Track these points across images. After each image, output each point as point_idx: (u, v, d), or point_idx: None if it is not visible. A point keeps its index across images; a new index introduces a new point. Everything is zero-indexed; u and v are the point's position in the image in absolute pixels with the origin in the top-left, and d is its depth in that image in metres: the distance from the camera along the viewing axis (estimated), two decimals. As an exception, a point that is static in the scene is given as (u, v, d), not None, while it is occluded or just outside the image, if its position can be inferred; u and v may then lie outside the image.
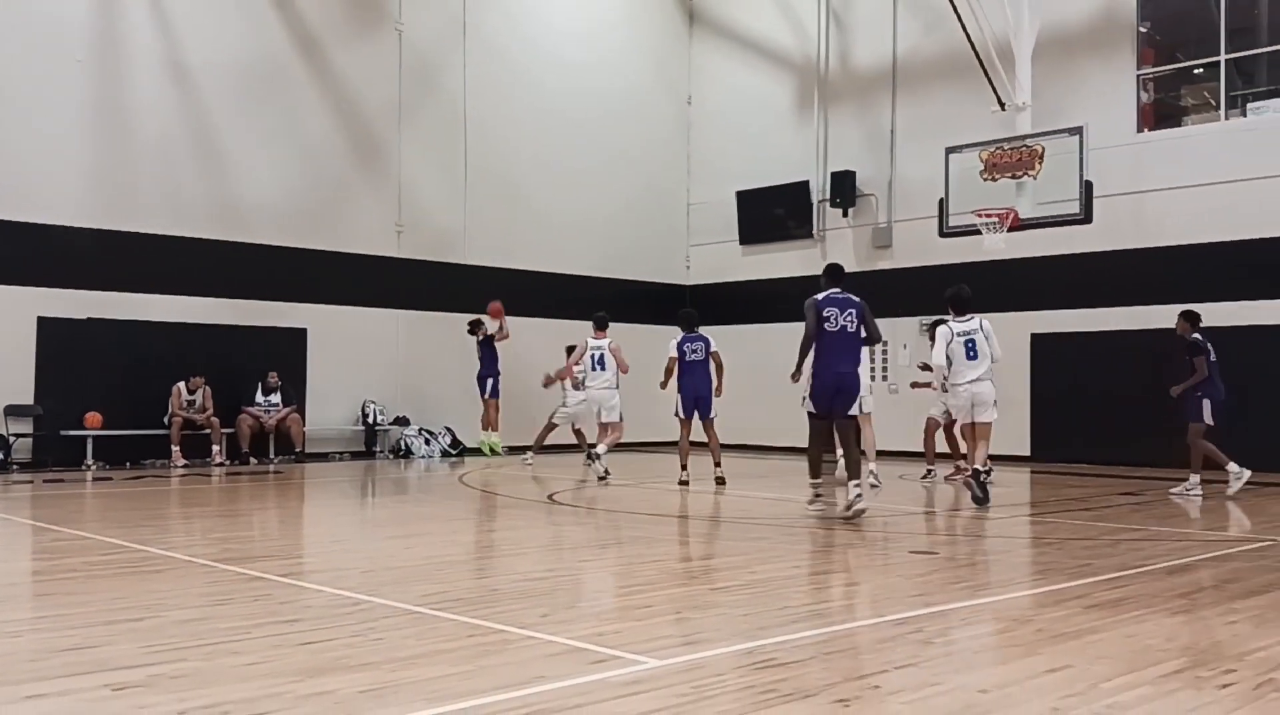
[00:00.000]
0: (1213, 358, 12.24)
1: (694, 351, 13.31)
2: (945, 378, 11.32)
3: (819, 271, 22.01)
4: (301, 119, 17.96)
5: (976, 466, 10.71)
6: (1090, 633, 5.14)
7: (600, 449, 13.97)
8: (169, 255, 16.49)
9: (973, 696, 3.99)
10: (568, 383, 16.84)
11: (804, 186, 21.20)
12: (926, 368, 13.57)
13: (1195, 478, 12.16)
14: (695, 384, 13.19)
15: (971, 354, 10.77)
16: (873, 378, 13.21)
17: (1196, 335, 12.34)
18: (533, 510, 10.85)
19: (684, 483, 13.08)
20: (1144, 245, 17.08)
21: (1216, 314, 16.16)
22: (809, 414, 10.09)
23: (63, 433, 15.36)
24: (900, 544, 8.59)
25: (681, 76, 23.44)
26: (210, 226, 16.91)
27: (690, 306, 22.87)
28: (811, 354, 9.96)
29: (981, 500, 10.55)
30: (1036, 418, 17.98)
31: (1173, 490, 12.29)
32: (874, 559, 7.98)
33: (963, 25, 17.38)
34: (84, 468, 15.29)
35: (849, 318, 9.87)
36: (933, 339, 11.22)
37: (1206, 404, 12.08)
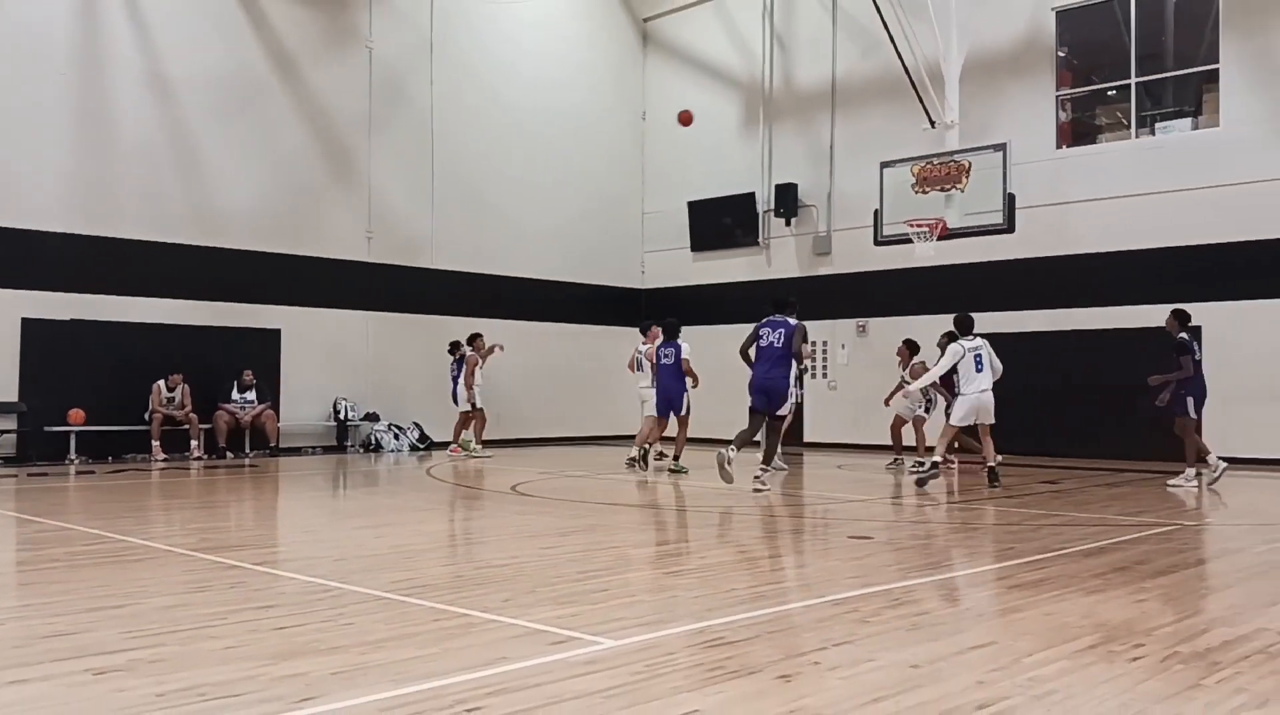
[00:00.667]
0: (1198, 357, 12.29)
1: (666, 356, 13.75)
2: (935, 385, 12.58)
3: (764, 276, 22.23)
4: (277, 130, 17.77)
5: (990, 462, 11.91)
6: (1013, 611, 5.20)
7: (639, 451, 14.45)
8: (149, 259, 16.26)
9: (905, 671, 4.02)
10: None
11: (750, 197, 21.27)
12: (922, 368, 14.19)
13: (1191, 471, 12.15)
14: (666, 385, 13.68)
15: (979, 367, 11.72)
16: (799, 387, 13.64)
17: (1183, 334, 12.24)
18: (497, 501, 10.80)
19: (632, 461, 14.12)
20: (1062, 253, 17.30)
21: (1129, 317, 16.45)
22: (749, 407, 11.52)
23: (46, 429, 15.09)
24: (840, 530, 8.64)
25: (636, 94, 23.44)
26: (189, 232, 16.69)
27: (647, 309, 22.95)
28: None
29: (995, 484, 11.71)
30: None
31: (1170, 482, 12.26)
32: (815, 544, 8.03)
33: (896, 49, 17.52)
34: (67, 462, 15.04)
35: (777, 336, 11.26)
36: (943, 352, 12.40)
37: (1190, 401, 12.06)
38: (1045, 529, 8.51)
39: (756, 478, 11.29)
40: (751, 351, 11.48)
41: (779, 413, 11.43)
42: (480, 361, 17.17)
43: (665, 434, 14.40)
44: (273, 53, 17.79)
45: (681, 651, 4.34)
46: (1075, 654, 4.32)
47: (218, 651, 4.27)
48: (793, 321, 11.32)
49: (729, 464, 11.19)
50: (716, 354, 21.08)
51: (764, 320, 11.53)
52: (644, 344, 14.91)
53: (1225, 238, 15.96)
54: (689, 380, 13.73)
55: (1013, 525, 8.83)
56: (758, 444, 12.33)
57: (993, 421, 11.86)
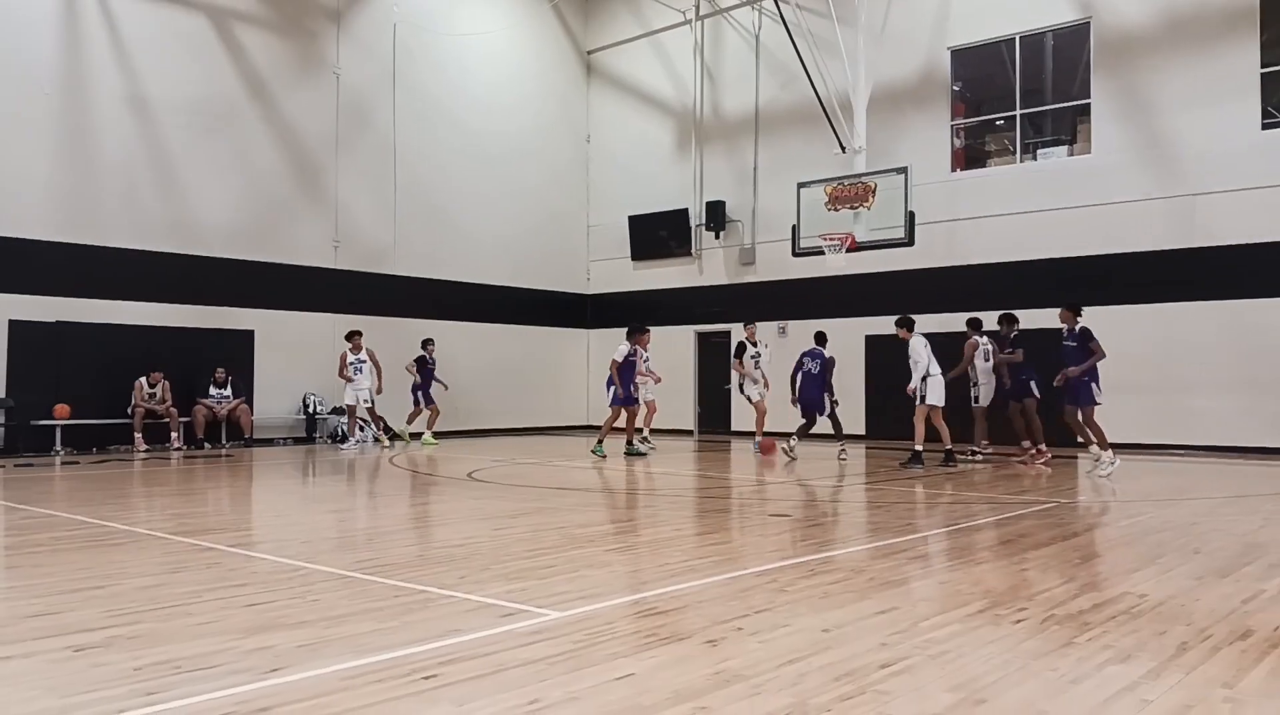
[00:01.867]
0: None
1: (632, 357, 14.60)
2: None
3: (696, 283, 22.26)
4: (250, 149, 17.44)
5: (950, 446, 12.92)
6: (912, 580, 5.25)
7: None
8: (131, 266, 15.88)
9: (817, 635, 4.04)
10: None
11: (684, 213, 21.32)
12: None
13: (1107, 453, 11.49)
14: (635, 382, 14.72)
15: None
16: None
17: (1083, 323, 11.68)
18: (454, 486, 10.69)
19: (639, 453, 14.47)
20: (955, 264, 17.57)
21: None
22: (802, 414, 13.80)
23: (33, 423, 14.67)
24: (762, 508, 8.68)
25: (581, 119, 23.37)
26: (168, 241, 16.33)
27: (592, 312, 22.95)
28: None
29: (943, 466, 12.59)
30: (870, 404, 18.38)
31: (1098, 472, 11.47)
32: (740, 521, 8.06)
33: (811, 83, 17.68)
34: (53, 454, 14.62)
35: (814, 364, 13.64)
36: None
37: (1094, 387, 11.49)
38: (941, 507, 8.63)
39: (840, 452, 13.90)
40: (799, 376, 13.71)
41: (824, 415, 13.69)
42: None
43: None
44: (247, 78, 17.45)
45: (619, 621, 4.32)
46: (966, 617, 4.37)
47: (192, 627, 4.17)
48: (827, 354, 13.64)
49: (791, 451, 13.73)
50: (655, 353, 21.20)
51: (806, 351, 13.79)
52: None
53: (1096, 251, 16.31)
54: (613, 375, 14.29)
55: (913, 504, 8.93)
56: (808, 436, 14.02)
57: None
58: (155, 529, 7.15)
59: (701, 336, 21.22)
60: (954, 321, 17.17)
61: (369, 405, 16.57)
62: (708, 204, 20.92)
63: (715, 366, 20.62)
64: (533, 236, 21.93)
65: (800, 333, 19.11)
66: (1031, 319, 16.11)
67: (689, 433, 20.69)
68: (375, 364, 16.60)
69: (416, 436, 17.86)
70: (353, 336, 16.57)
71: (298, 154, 18.15)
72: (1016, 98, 17.37)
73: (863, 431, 18.19)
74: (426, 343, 18.12)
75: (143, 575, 5.42)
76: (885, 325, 18.01)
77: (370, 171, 19.13)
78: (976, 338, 13.69)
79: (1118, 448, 15.42)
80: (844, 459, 13.58)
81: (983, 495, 9.54)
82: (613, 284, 22.75)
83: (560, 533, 7.25)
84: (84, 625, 4.20)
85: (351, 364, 16.29)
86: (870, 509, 8.77)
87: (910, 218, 16.02)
